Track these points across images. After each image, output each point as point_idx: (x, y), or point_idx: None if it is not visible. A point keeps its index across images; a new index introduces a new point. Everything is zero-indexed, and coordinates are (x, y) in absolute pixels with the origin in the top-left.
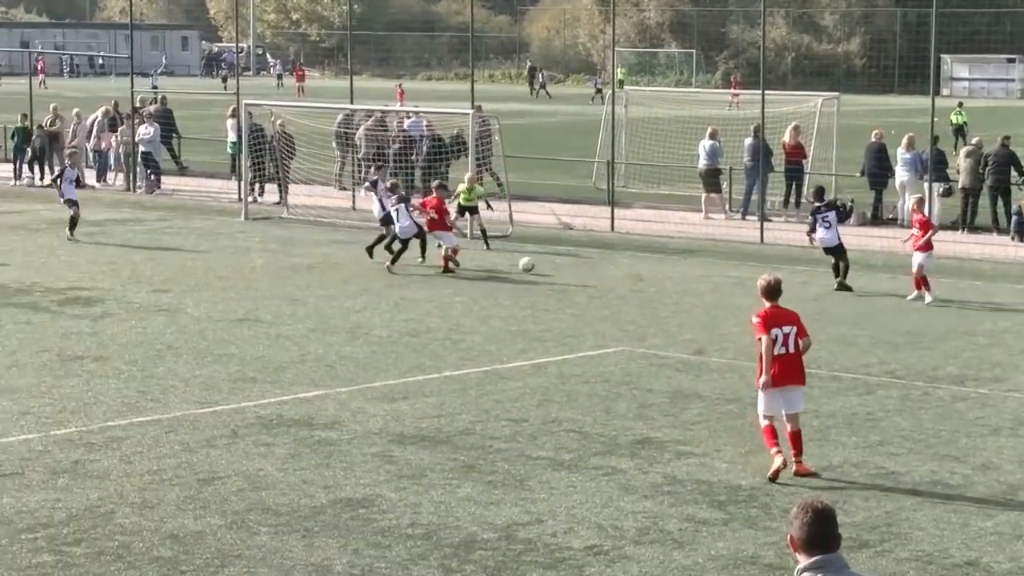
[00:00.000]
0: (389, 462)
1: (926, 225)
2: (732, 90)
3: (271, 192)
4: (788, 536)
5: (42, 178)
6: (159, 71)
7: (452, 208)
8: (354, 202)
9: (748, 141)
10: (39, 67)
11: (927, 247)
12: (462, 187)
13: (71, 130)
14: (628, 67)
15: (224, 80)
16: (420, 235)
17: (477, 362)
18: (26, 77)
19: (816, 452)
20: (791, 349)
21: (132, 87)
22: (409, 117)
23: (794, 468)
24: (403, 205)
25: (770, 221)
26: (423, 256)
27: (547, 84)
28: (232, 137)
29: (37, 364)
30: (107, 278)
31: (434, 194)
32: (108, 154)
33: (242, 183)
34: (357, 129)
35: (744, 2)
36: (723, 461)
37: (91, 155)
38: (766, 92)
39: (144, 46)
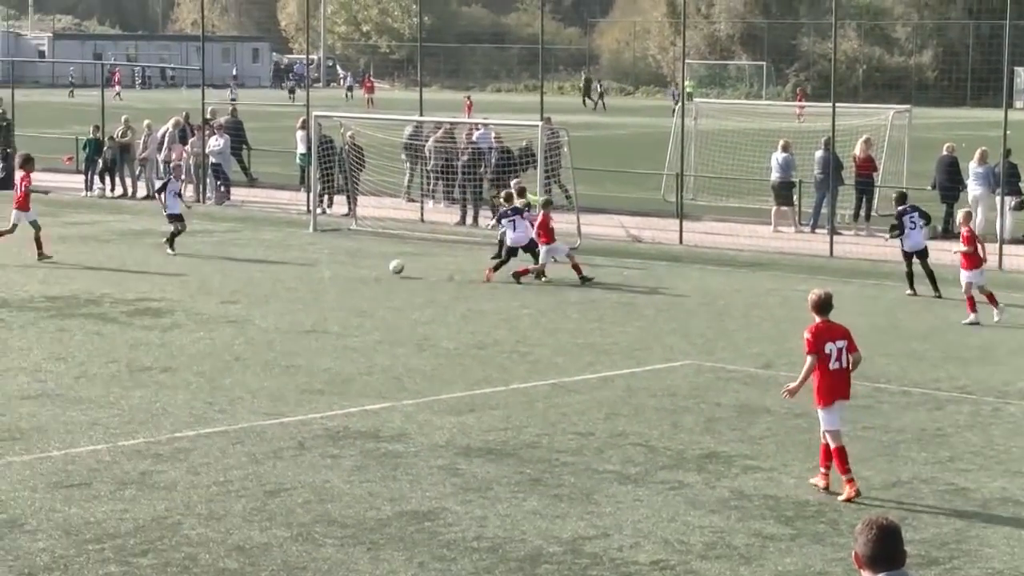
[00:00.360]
0: (455, 475)
1: (971, 240)
2: (798, 103)
3: (340, 204)
4: (853, 552)
5: (112, 189)
6: (237, 84)
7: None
8: (422, 214)
9: (818, 154)
10: (114, 79)
11: (974, 263)
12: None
13: (142, 141)
14: (698, 79)
15: (291, 92)
16: (531, 246)
17: (544, 375)
18: (99, 89)
19: (885, 467)
20: (844, 364)
21: (203, 99)
22: (478, 129)
23: (818, 478)
24: (519, 215)
25: (840, 234)
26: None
27: (604, 96)
28: (301, 149)
29: (106, 375)
30: (176, 289)
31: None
32: (179, 166)
33: (311, 195)
34: (426, 141)
35: (815, 14)
36: (791, 476)
37: (161, 166)
38: (837, 105)
39: (215, 58)
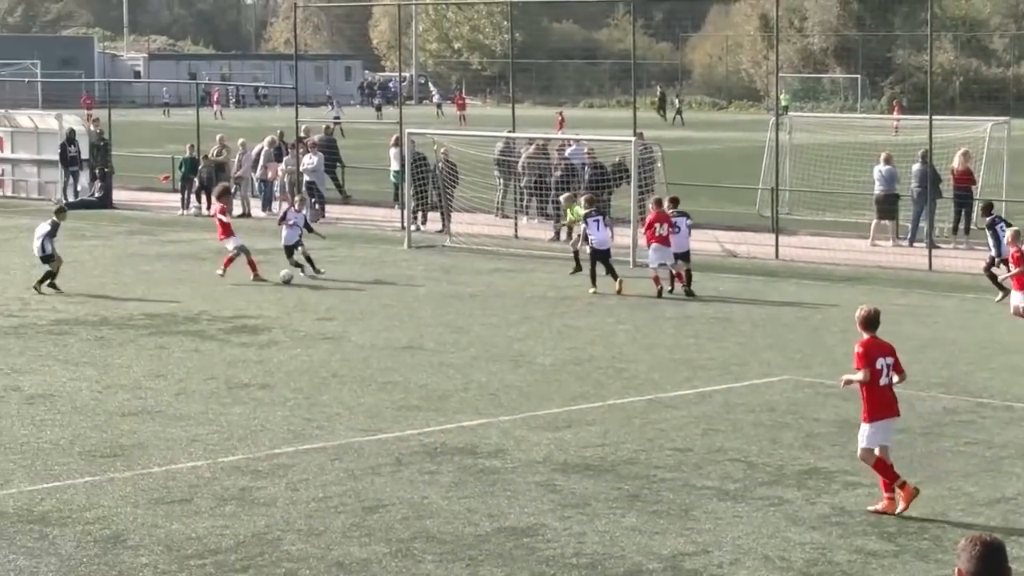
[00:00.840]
0: (553, 491)
1: (1021, 261)
2: (895, 116)
3: (434, 220)
4: (956, 569)
5: (208, 208)
6: (338, 102)
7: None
8: (516, 230)
9: (916, 167)
10: (214, 98)
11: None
12: (570, 211)
13: (237, 160)
14: (792, 93)
15: (378, 109)
16: (607, 254)
17: (641, 391)
18: (194, 108)
19: (989, 483)
20: (893, 380)
21: (297, 117)
22: (570, 145)
23: (883, 504)
24: (602, 217)
25: (938, 248)
26: (609, 273)
27: (682, 110)
28: (395, 166)
29: (205, 392)
30: (273, 306)
31: (653, 208)
32: (273, 184)
33: (405, 211)
34: (519, 157)
35: (910, 26)
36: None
37: (256, 184)
38: (934, 117)
39: (308, 76)
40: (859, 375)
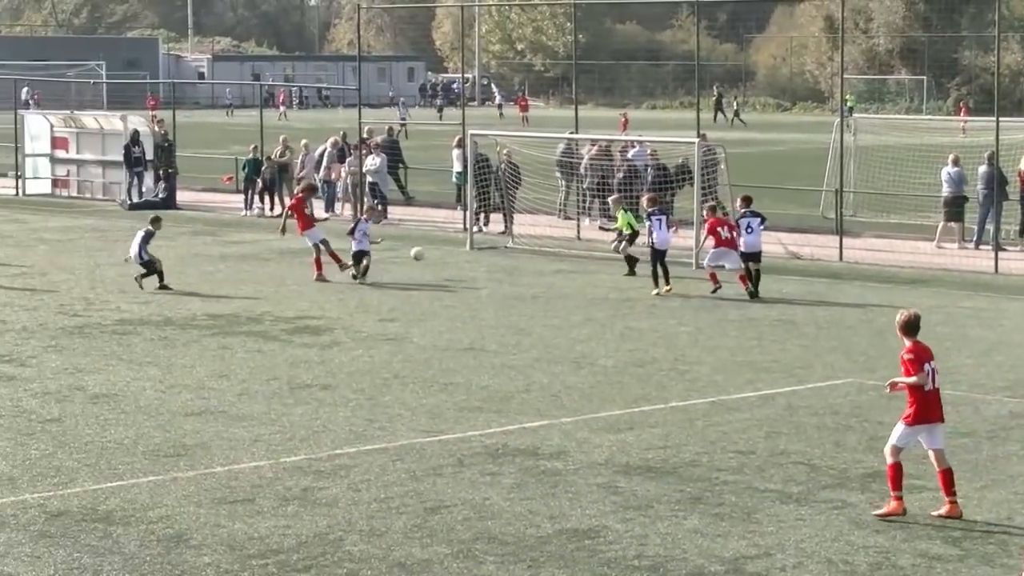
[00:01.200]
0: (615, 493)
1: None
2: (962, 117)
3: (496, 222)
4: (1021, 573)
5: (271, 208)
6: (404, 103)
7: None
8: (579, 231)
9: (982, 169)
10: (279, 99)
11: None
12: (620, 215)
13: (300, 161)
14: (857, 94)
15: (440, 110)
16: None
17: (703, 393)
18: (257, 109)
19: None
20: (937, 384)
21: (359, 118)
22: (634, 147)
23: (947, 508)
24: (664, 217)
25: (1004, 251)
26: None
27: (740, 111)
28: (458, 167)
29: (268, 392)
30: (335, 307)
31: (707, 216)
32: (336, 185)
33: (467, 213)
34: (580, 159)
35: (977, 27)
36: (958, 496)
37: (320, 186)
38: (1000, 119)
39: (371, 77)
40: (913, 379)
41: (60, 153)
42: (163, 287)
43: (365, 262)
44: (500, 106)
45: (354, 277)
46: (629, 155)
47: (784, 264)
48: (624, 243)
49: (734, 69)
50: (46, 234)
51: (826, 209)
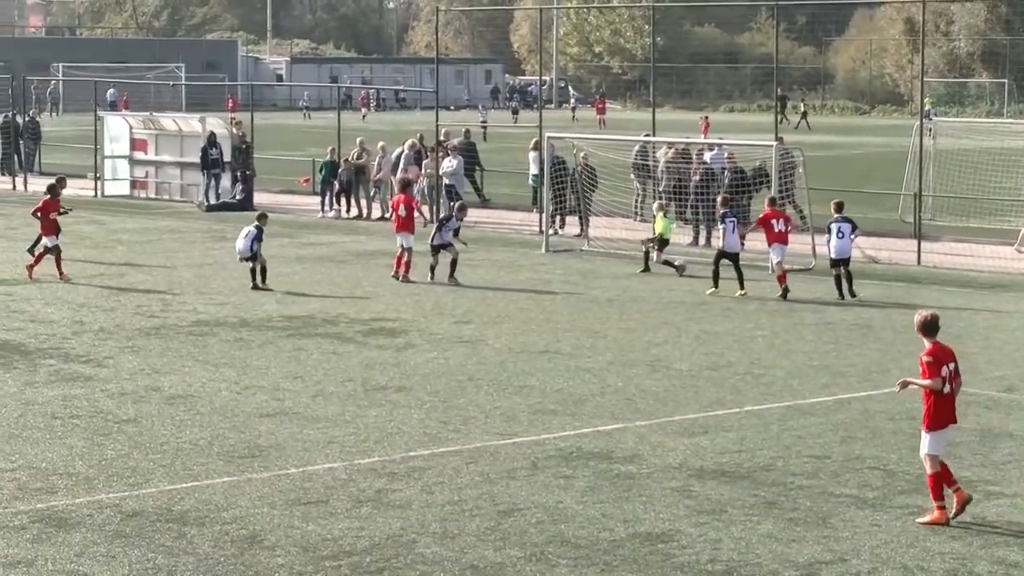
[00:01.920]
0: (688, 497)
1: None
2: None
3: (572, 224)
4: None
5: (348, 210)
6: (483, 106)
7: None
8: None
9: None
10: (360, 101)
11: None
12: (659, 219)
13: (377, 163)
14: (936, 98)
15: (515, 112)
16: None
17: (778, 397)
18: (336, 111)
19: None
20: (954, 387)
21: (437, 120)
22: (711, 149)
23: (955, 498)
24: (735, 220)
25: None
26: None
27: (807, 114)
28: (534, 170)
29: (342, 394)
30: (410, 309)
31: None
32: (413, 187)
33: (543, 215)
34: (656, 161)
35: None
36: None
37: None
38: None
39: (449, 80)
40: (928, 383)
41: (139, 155)
42: (259, 286)
43: (452, 256)
44: (574, 108)
45: (433, 268)
46: (706, 158)
47: (862, 268)
48: (656, 251)
49: (813, 72)
50: (124, 235)
51: (904, 213)
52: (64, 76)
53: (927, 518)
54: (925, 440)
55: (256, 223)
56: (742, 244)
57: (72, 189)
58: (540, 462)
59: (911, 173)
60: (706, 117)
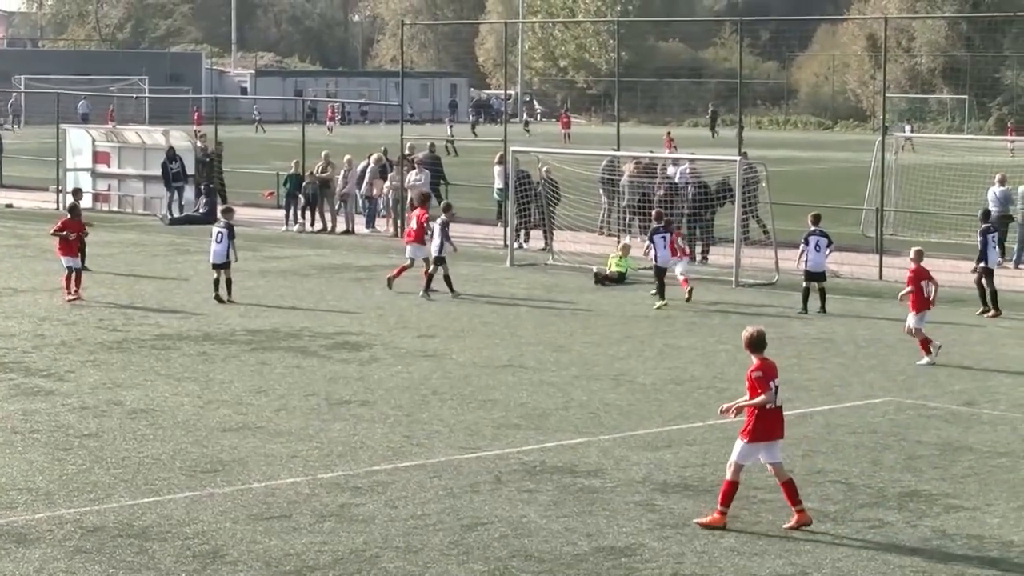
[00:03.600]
0: (652, 511)
1: (916, 279)
2: (1009, 136)
3: (536, 238)
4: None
5: (312, 224)
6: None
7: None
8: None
9: (1021, 189)
10: (327, 115)
11: (920, 305)
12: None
13: (342, 176)
14: (898, 113)
15: (473, 127)
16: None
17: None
18: (300, 125)
19: None
20: (779, 402)
21: (402, 134)
22: (678, 164)
23: (796, 518)
24: (665, 236)
25: None
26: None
27: (743, 130)
28: (499, 184)
29: (306, 408)
30: (374, 323)
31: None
32: (378, 201)
33: (508, 229)
34: (621, 176)
35: (1019, 47)
36: (995, 516)
37: (361, 201)
38: None
39: (414, 93)
40: (760, 399)
41: (102, 167)
42: (223, 299)
43: (447, 270)
44: (527, 123)
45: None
46: (673, 173)
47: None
48: (604, 276)
49: (776, 87)
50: (86, 248)
51: (866, 228)
52: (26, 88)
53: (706, 519)
54: (737, 448)
55: (223, 220)
56: (685, 256)
57: (34, 202)
58: (504, 476)
59: (873, 188)
60: (669, 132)
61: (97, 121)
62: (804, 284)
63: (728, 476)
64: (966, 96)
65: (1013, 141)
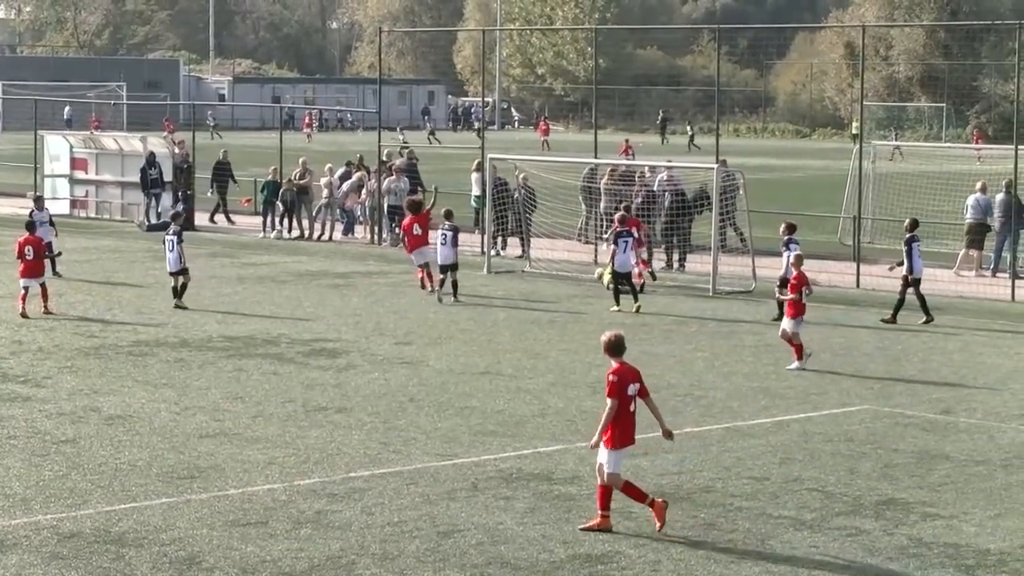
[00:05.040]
0: (628, 518)
1: (798, 285)
2: (975, 144)
3: (514, 246)
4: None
5: (290, 231)
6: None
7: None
8: (596, 256)
9: (999, 197)
10: (305, 122)
11: (797, 311)
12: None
13: (324, 184)
14: (876, 121)
15: (431, 134)
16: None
17: (718, 419)
18: (278, 131)
19: None
20: (636, 408)
21: (379, 141)
22: (657, 171)
23: (597, 520)
24: (628, 241)
25: (1022, 279)
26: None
27: (694, 137)
28: (476, 191)
29: (282, 414)
30: (351, 330)
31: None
32: (355, 209)
33: (485, 237)
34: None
35: (997, 56)
36: (971, 524)
37: (337, 210)
38: (1020, 147)
39: (392, 100)
40: (606, 412)
41: (79, 174)
42: (179, 304)
43: (455, 277)
44: (479, 131)
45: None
46: (652, 180)
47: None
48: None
49: (754, 95)
50: (64, 255)
51: (844, 236)
52: (3, 95)
53: (591, 523)
54: (604, 455)
55: (172, 225)
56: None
57: (11, 208)
58: (480, 483)
59: (850, 196)
60: (627, 140)
61: (81, 127)
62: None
63: (601, 481)
64: (944, 104)
65: (979, 149)
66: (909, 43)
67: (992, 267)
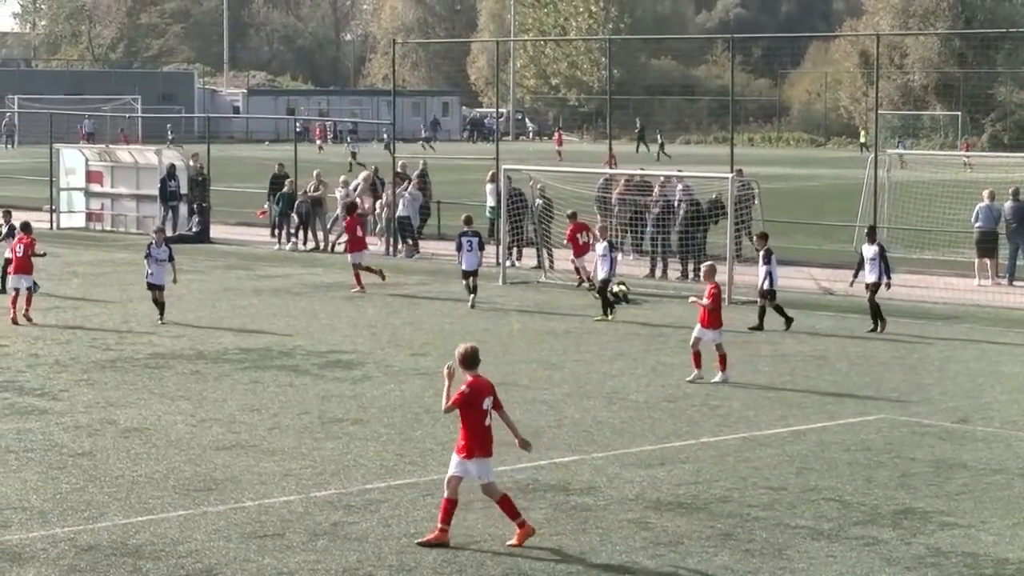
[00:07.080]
0: (645, 529)
1: (716, 297)
2: (964, 152)
3: (529, 256)
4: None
5: (305, 243)
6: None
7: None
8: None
9: (1008, 204)
10: (316, 133)
11: (714, 322)
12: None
13: (346, 194)
14: (891, 130)
15: (428, 142)
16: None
17: (734, 428)
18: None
19: None
20: (490, 420)
21: (393, 152)
22: (674, 182)
23: (519, 534)
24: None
25: None
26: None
27: (664, 145)
28: (491, 202)
29: (298, 426)
30: (367, 341)
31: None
32: (368, 219)
33: (500, 247)
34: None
35: (1012, 64)
36: (990, 533)
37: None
38: None
39: (406, 112)
40: (443, 406)
41: (95, 187)
42: (162, 321)
43: (472, 281)
44: (471, 139)
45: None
46: (671, 190)
47: (817, 300)
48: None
49: (768, 104)
50: (79, 268)
51: (859, 244)
52: (19, 108)
53: (429, 537)
54: (453, 462)
55: (156, 238)
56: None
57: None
58: None
59: (866, 205)
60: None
61: (102, 140)
62: (771, 303)
63: (446, 494)
64: (959, 112)
65: (968, 156)
66: (924, 51)
67: (1008, 275)
